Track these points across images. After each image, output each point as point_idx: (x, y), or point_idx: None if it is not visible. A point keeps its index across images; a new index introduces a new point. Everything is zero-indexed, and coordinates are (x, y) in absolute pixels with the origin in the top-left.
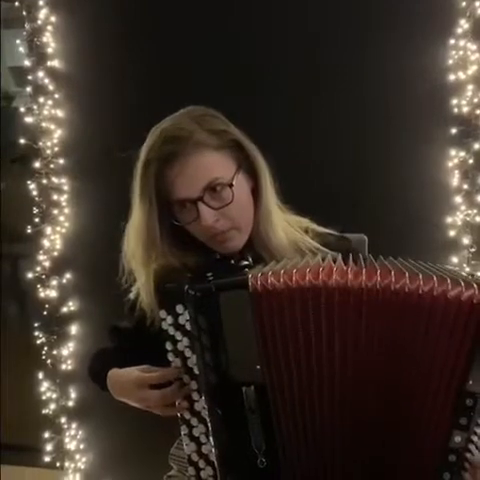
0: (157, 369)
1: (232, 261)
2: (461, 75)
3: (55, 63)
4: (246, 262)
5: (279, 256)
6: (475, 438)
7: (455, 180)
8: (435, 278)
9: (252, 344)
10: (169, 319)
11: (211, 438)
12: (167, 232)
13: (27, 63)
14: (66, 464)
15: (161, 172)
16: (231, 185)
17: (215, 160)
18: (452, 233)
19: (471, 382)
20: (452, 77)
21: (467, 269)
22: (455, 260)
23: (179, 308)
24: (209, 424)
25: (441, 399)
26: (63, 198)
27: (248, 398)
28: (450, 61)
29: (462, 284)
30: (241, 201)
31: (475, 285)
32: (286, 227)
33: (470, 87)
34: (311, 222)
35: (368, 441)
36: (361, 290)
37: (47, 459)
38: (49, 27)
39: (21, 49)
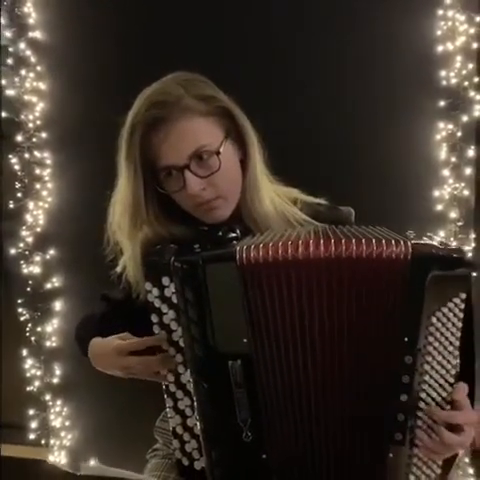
0: (137, 338)
1: (220, 233)
2: (449, 46)
3: (37, 34)
4: (234, 234)
5: (265, 227)
6: (423, 394)
7: (443, 153)
8: (364, 241)
9: (239, 317)
10: (155, 291)
11: (196, 411)
12: (153, 200)
13: (8, 34)
14: (51, 441)
15: (147, 137)
16: (218, 153)
17: (202, 126)
18: (439, 207)
19: (406, 339)
20: (440, 48)
21: (454, 243)
22: (442, 234)
23: (165, 280)
24: (194, 397)
25: (387, 358)
26: (46, 172)
27: (234, 372)
28: (438, 32)
29: (392, 243)
30: (228, 170)
31: (401, 242)
32: (274, 198)
33: (458, 58)
34: (300, 193)
35: (344, 407)
36: (320, 260)
37: (32, 436)
38: None
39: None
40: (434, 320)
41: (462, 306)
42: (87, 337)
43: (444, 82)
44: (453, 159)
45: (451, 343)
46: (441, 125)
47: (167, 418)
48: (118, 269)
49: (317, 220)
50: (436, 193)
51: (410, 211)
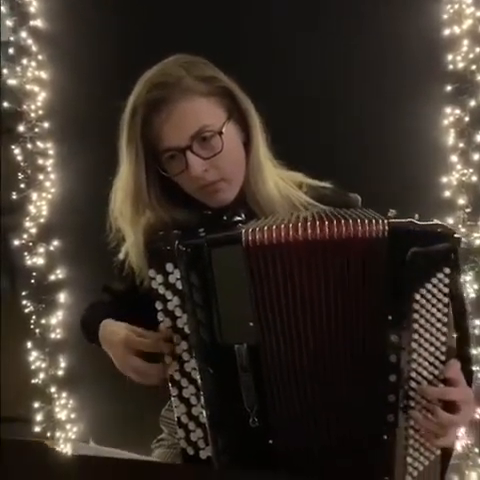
0: (149, 334)
1: (224, 217)
2: (456, 30)
3: (38, 23)
4: (239, 218)
5: (269, 210)
6: (413, 374)
7: (450, 139)
8: (339, 222)
9: (245, 301)
10: (159, 278)
11: (202, 398)
12: (155, 184)
13: (9, 23)
14: (57, 434)
15: (148, 120)
16: (221, 133)
17: (204, 107)
18: (447, 193)
19: (391, 317)
20: (447, 32)
21: (463, 230)
22: (450, 221)
23: (169, 267)
24: (200, 384)
25: (373, 338)
26: (49, 163)
27: (241, 356)
28: (445, 15)
29: (367, 222)
30: (231, 151)
31: (378, 221)
32: (278, 181)
33: (465, 42)
34: (304, 177)
35: (339, 390)
36: (307, 243)
37: (37, 429)
38: None
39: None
40: (418, 297)
41: (446, 281)
42: (94, 322)
43: (451, 66)
44: (461, 145)
45: (439, 320)
46: (448, 110)
47: (171, 407)
48: (120, 256)
49: (322, 203)
50: (444, 179)
51: (418, 198)
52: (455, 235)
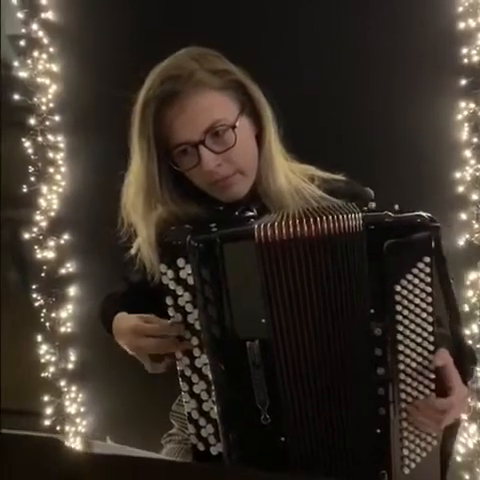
0: (157, 320)
1: (236, 213)
2: (471, 23)
3: (49, 15)
4: (251, 213)
5: (280, 204)
6: (401, 366)
7: (464, 133)
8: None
9: (256, 297)
10: (170, 273)
11: (213, 394)
12: (167, 179)
13: (20, 15)
14: (66, 428)
15: (160, 113)
16: (234, 127)
17: (216, 101)
18: (461, 189)
19: (373, 311)
20: (462, 25)
21: (476, 226)
22: (464, 216)
23: (180, 262)
24: (212, 380)
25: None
26: (59, 156)
27: (252, 353)
28: (460, 8)
29: (342, 217)
30: (244, 145)
31: (351, 216)
32: (289, 175)
33: None
34: (316, 170)
35: (336, 387)
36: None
37: (47, 423)
38: None
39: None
40: (398, 288)
41: (428, 270)
42: (111, 312)
43: (465, 60)
44: (475, 139)
45: (423, 310)
46: (462, 104)
47: (182, 402)
48: (132, 251)
49: (336, 196)
50: (457, 175)
51: (431, 193)
52: (434, 224)
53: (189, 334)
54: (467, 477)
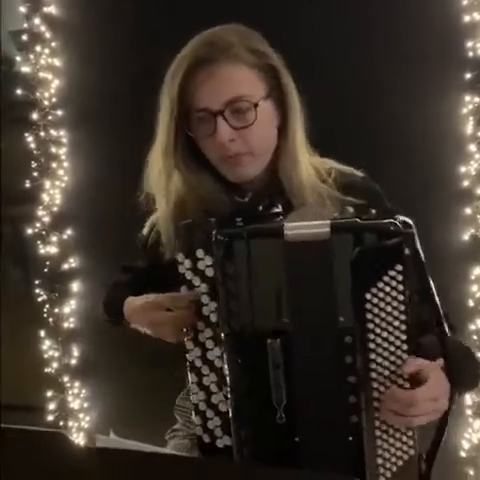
0: (165, 295)
1: (260, 207)
2: (476, 16)
3: (51, 9)
4: (277, 209)
5: (300, 200)
6: (373, 374)
7: (469, 127)
8: None
9: (280, 295)
10: (187, 263)
11: (226, 389)
12: (182, 144)
13: (22, 9)
14: (69, 423)
15: (190, 74)
16: (256, 105)
17: (245, 77)
18: (466, 183)
19: (342, 319)
20: (467, 18)
21: None
22: (469, 211)
23: (199, 252)
24: (227, 374)
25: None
26: (62, 151)
27: (273, 352)
28: (464, 1)
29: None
30: (262, 127)
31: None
32: (310, 170)
33: None
34: (334, 162)
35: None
36: None
37: (50, 418)
38: None
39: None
40: (369, 296)
41: (400, 278)
42: (120, 298)
43: (470, 53)
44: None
45: (396, 318)
46: (467, 98)
47: (186, 396)
48: (144, 231)
49: (352, 190)
50: (462, 169)
51: (435, 188)
52: (408, 230)
53: (203, 326)
54: (472, 473)
